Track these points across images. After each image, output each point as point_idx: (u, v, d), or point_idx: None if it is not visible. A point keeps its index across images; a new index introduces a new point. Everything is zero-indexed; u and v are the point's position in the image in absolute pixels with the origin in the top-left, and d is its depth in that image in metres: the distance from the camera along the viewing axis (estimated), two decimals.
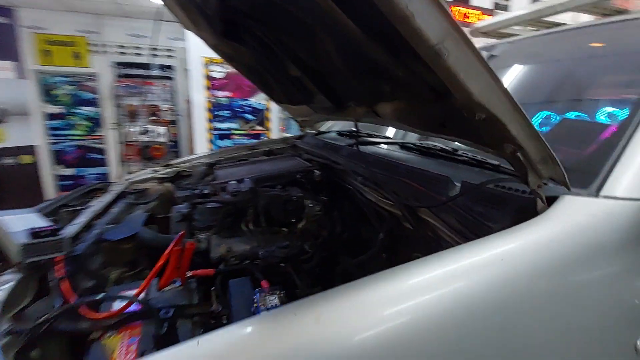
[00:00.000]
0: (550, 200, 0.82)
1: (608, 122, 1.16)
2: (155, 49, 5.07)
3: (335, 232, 1.39)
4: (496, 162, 1.10)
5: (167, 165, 2.41)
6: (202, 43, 2.02)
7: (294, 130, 6.37)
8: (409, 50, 0.67)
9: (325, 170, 1.61)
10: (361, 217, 1.48)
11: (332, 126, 2.63)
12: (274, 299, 0.86)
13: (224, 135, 5.56)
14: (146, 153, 5.71)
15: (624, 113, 1.22)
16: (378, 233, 1.37)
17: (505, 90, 0.66)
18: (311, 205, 1.37)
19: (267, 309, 0.82)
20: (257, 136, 5.60)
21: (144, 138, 5.70)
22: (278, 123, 5.65)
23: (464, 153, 1.18)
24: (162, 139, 5.86)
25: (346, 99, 1.47)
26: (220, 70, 5.29)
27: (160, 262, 0.87)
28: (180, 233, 0.95)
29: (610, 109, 1.52)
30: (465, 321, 0.61)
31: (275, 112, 5.57)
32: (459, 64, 0.64)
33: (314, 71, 1.46)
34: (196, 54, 5.06)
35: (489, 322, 0.63)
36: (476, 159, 1.14)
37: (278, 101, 2.42)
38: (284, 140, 2.67)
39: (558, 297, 0.69)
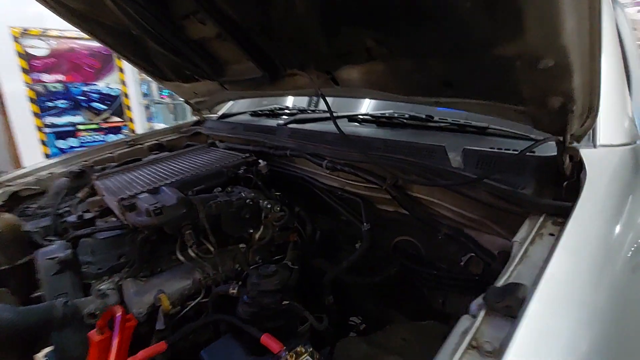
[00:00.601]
0: None
1: None
2: None
3: (307, 233, 1.11)
4: (484, 125, 1.02)
5: None
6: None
7: (160, 119, 5.39)
8: None
9: (266, 159, 1.28)
10: (323, 209, 1.24)
11: (231, 107, 2.22)
12: None
13: (65, 134, 4.24)
14: None
15: None
16: (350, 224, 1.16)
17: (598, 29, 0.53)
18: (269, 206, 1.04)
19: None
20: (116, 130, 4.49)
21: None
22: (142, 111, 4.64)
23: (441, 119, 1.07)
24: None
25: (286, 66, 1.15)
26: (43, 46, 3.91)
27: None
28: (117, 314, 0.52)
29: None
30: None
31: (135, 97, 4.54)
32: None
33: (239, 28, 1.08)
34: None
35: None
36: (457, 124, 1.03)
37: (162, 78, 1.85)
38: (175, 129, 2.11)
39: None
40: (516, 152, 0.90)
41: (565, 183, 0.77)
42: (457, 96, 0.83)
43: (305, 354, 0.58)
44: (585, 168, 0.73)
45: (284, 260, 0.98)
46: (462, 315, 0.49)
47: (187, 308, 0.96)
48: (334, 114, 1.21)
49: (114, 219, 1.19)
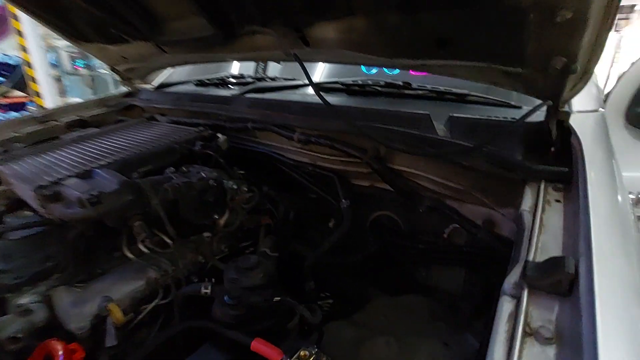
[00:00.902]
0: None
1: None
2: None
3: (280, 215, 0.99)
4: (464, 92, 0.98)
5: None
6: None
7: (76, 94, 4.63)
8: None
9: (222, 133, 1.11)
10: (289, 187, 1.13)
11: (170, 76, 1.93)
12: None
13: None
14: None
15: None
16: (320, 202, 1.07)
17: None
18: (235, 186, 0.90)
19: None
20: (19, 107, 3.74)
21: None
22: (52, 84, 3.91)
23: (420, 86, 1.00)
24: None
25: (245, 21, 0.98)
26: None
27: None
28: (57, 351, 0.37)
29: None
30: None
31: (42, 67, 3.80)
32: None
33: None
34: None
35: None
36: (437, 91, 0.98)
37: (80, 39, 1.51)
38: (100, 102, 1.77)
39: None
40: (499, 119, 0.88)
41: (552, 148, 0.76)
42: (449, 57, 0.76)
43: (311, 358, 0.49)
44: (575, 133, 0.73)
45: (260, 248, 0.86)
46: (501, 297, 0.43)
47: (142, 314, 0.80)
48: (303, 82, 1.08)
49: (29, 213, 0.95)
